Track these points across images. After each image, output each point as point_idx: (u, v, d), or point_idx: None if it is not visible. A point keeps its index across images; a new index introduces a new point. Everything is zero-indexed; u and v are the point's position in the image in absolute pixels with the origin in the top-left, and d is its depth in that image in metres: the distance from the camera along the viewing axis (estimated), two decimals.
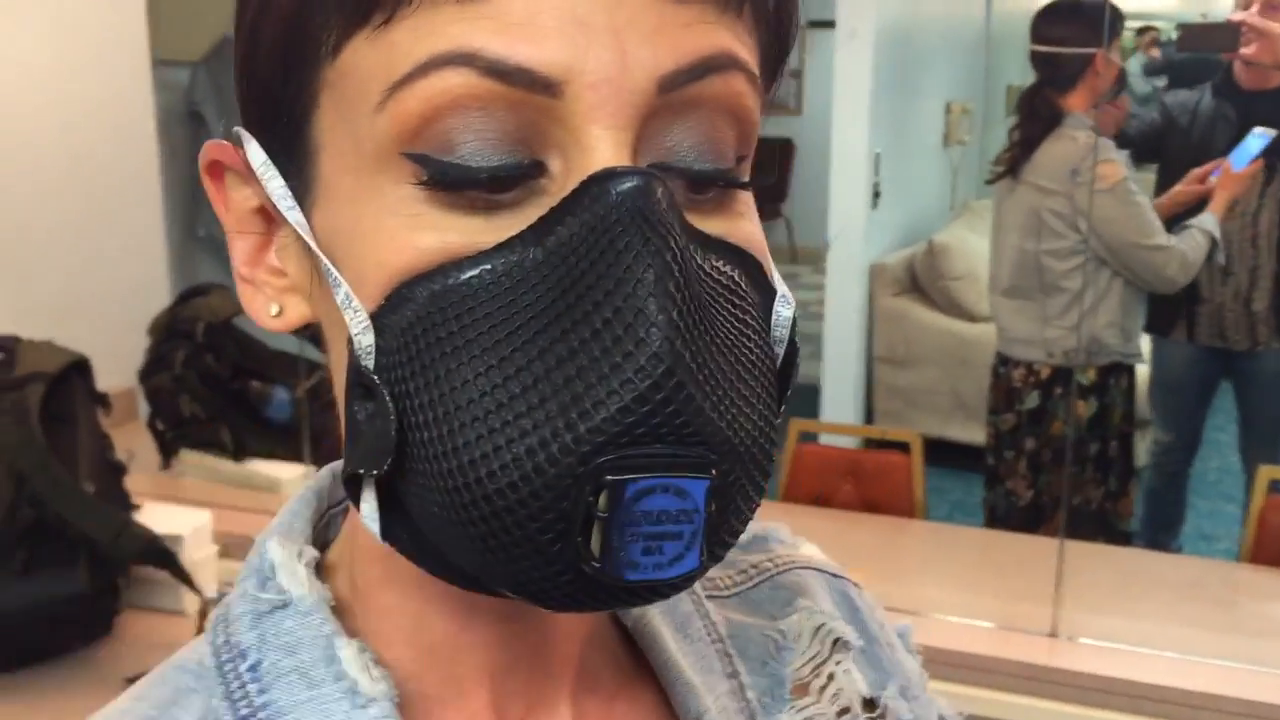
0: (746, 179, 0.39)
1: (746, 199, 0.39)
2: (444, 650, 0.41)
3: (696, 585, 0.48)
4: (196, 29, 3.97)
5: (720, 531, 0.36)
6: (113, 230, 2.38)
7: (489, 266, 0.34)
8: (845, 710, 0.49)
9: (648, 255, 0.33)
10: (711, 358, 0.34)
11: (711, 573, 0.50)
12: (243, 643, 0.40)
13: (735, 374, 0.36)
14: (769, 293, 0.39)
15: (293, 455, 1.91)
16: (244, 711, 0.39)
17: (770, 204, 7.79)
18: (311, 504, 0.45)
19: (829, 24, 4.13)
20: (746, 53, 0.37)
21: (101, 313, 2.16)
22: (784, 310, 0.39)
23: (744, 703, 0.47)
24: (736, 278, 0.37)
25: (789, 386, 0.39)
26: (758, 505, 0.37)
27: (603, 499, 0.33)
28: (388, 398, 0.34)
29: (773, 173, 7.83)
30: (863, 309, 4.14)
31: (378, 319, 0.35)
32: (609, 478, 0.33)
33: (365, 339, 0.35)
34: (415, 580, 0.39)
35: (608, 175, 0.34)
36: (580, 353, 0.33)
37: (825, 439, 2.68)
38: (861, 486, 2.15)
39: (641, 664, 0.47)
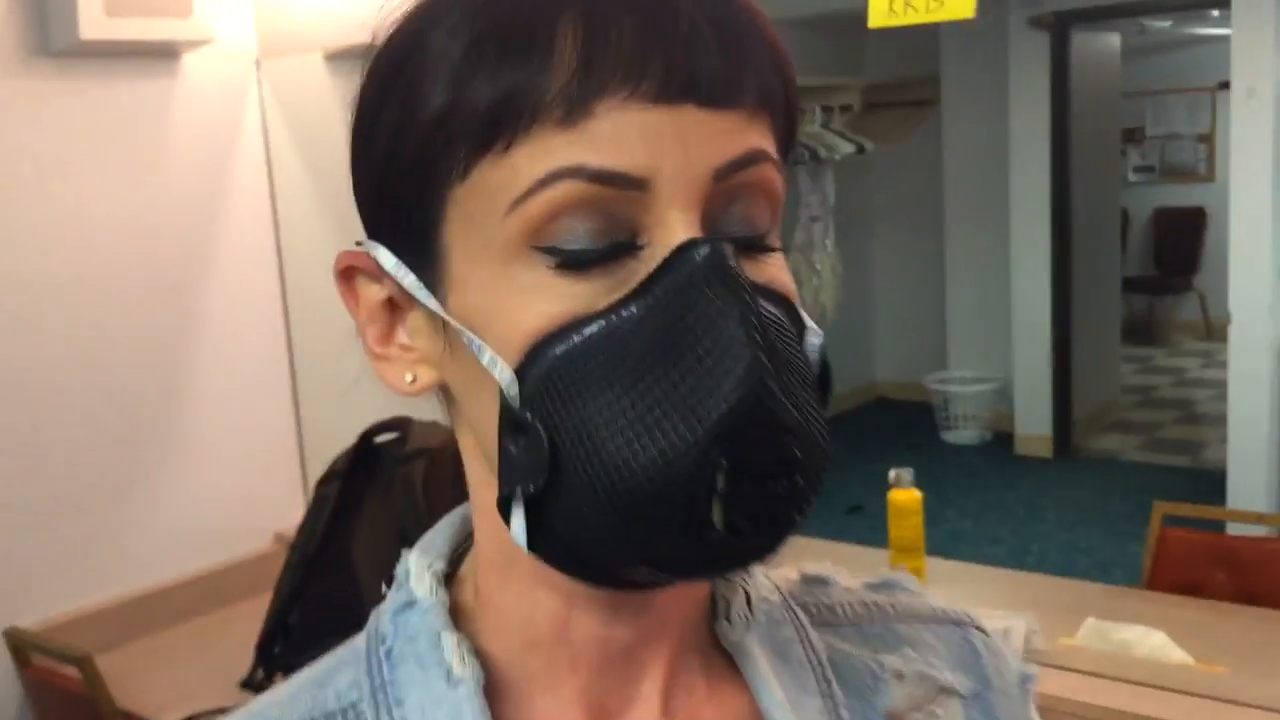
0: (778, 244, 0.48)
1: (779, 256, 0.48)
2: (545, 643, 0.50)
3: (801, 613, 0.55)
4: None
5: (805, 502, 0.45)
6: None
7: (604, 322, 0.44)
8: None
9: (731, 297, 0.43)
10: (783, 373, 0.44)
11: (831, 601, 0.57)
12: (383, 632, 0.52)
13: (799, 384, 0.45)
14: (802, 326, 0.48)
15: None
16: (376, 683, 0.50)
17: (1180, 275, 7.31)
18: (455, 525, 0.55)
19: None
20: (770, 145, 0.46)
21: None
22: (814, 340, 0.48)
23: (834, 714, 0.53)
24: (781, 315, 0.47)
25: (828, 401, 0.47)
26: (818, 491, 0.46)
27: (720, 481, 0.43)
28: (541, 429, 0.45)
29: (1182, 243, 7.36)
30: (1272, 387, 3.82)
31: (520, 372, 0.45)
32: (725, 462, 0.42)
33: (513, 389, 0.45)
34: (528, 585, 0.49)
35: (691, 244, 0.44)
36: (690, 374, 0.43)
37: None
38: (1235, 576, 2.02)
39: (736, 677, 0.54)
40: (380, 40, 0.49)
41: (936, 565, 2.13)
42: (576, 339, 0.44)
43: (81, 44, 2.03)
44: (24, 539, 2.05)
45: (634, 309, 0.44)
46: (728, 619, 0.53)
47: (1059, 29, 4.82)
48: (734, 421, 0.42)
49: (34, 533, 2.06)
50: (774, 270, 0.47)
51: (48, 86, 2.07)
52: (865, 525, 3.75)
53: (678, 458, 0.43)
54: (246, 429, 2.33)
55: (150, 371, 2.22)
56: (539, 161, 0.44)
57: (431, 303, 0.48)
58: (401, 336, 0.50)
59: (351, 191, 0.52)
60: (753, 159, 0.46)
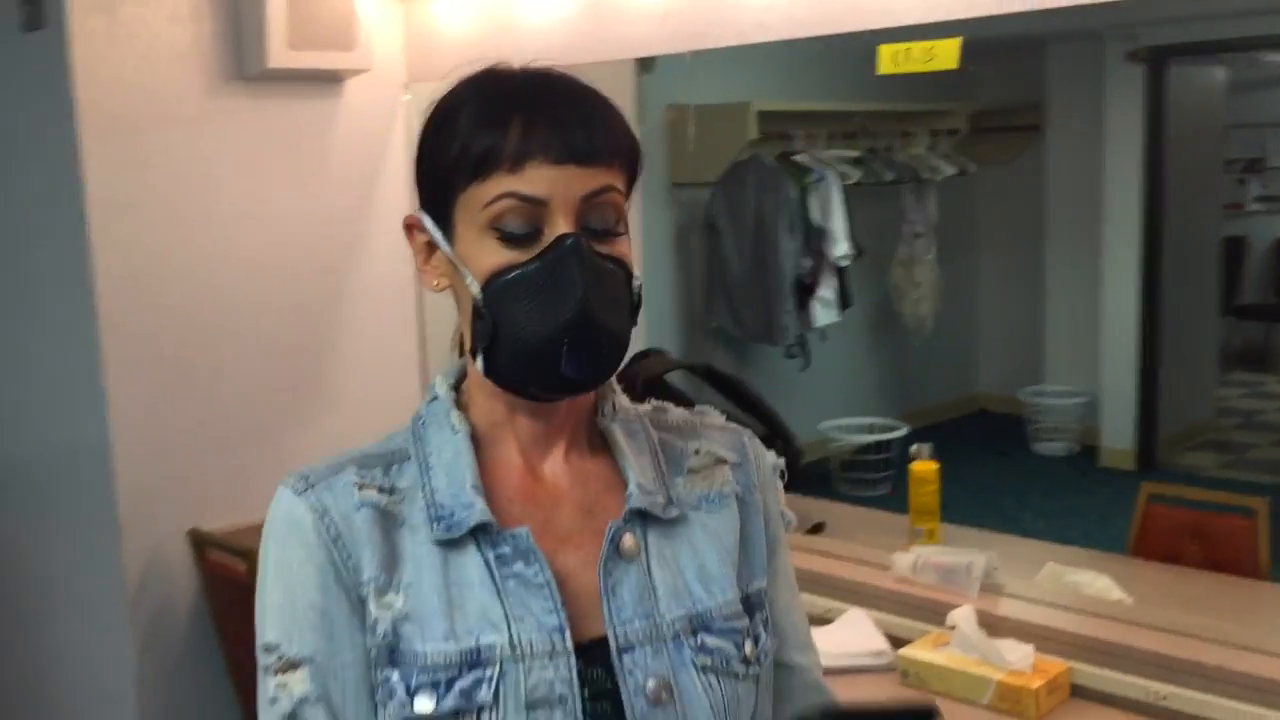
0: (622, 230, 0.91)
1: (623, 238, 0.91)
2: (500, 424, 0.95)
3: (647, 420, 0.98)
4: (710, 158, 4.77)
5: (608, 361, 0.90)
6: None
7: (524, 270, 0.88)
8: (719, 493, 0.97)
9: (579, 262, 0.87)
10: (603, 300, 0.88)
11: (665, 416, 1.00)
12: (420, 413, 0.97)
13: (613, 307, 0.89)
14: (631, 276, 0.91)
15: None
16: (416, 436, 0.95)
17: None
18: (461, 366, 0.99)
19: None
20: (618, 180, 0.90)
21: None
22: (636, 283, 0.92)
23: (659, 473, 0.96)
24: (615, 269, 0.90)
25: (636, 314, 0.91)
26: (625, 353, 0.89)
27: (564, 350, 0.87)
28: (491, 319, 0.89)
29: None
30: None
31: (484, 288, 0.89)
32: (566, 339, 0.87)
33: (479, 297, 0.89)
34: (490, 394, 0.94)
35: (565, 235, 0.88)
36: (557, 297, 0.87)
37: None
38: (1206, 547, 2.34)
39: (607, 449, 0.98)
40: (428, 111, 0.94)
41: (949, 529, 2.48)
42: (509, 275, 0.89)
43: (268, 71, 2.55)
44: (206, 461, 2.58)
45: (537, 264, 0.89)
46: (603, 414, 0.97)
47: (1155, 63, 5.06)
48: (571, 321, 0.88)
49: (214, 457, 2.59)
50: (617, 246, 0.92)
51: (241, 105, 2.60)
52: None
53: (547, 335, 0.88)
54: (381, 383, 2.83)
55: (307, 334, 2.73)
56: (497, 188, 0.88)
57: (447, 249, 0.92)
58: (434, 262, 0.95)
59: None
60: (604, 190, 0.90)
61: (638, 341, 3.12)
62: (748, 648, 0.94)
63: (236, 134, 2.60)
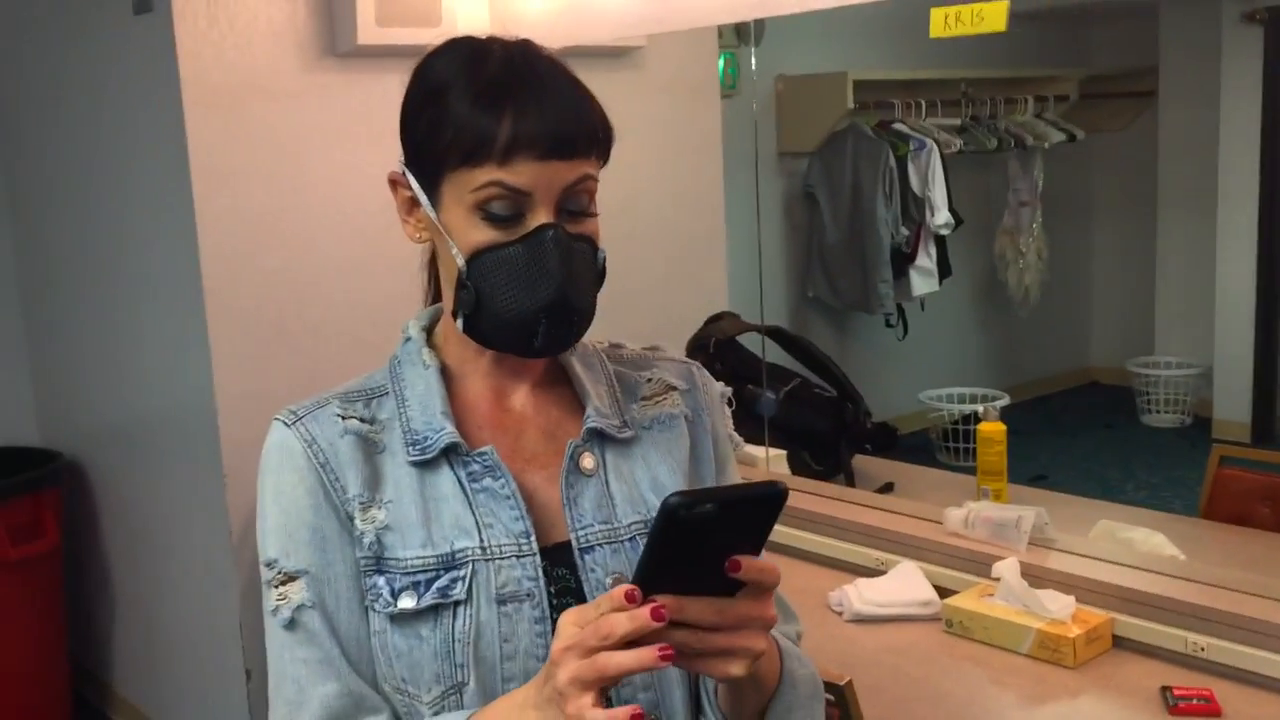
0: (594, 211, 0.99)
1: (594, 219, 1.00)
2: (470, 362, 1.05)
3: (603, 354, 1.07)
4: (811, 127, 4.81)
5: (577, 334, 1.00)
6: (698, 293, 3.18)
7: (506, 251, 0.97)
8: (669, 415, 1.05)
9: (558, 250, 0.96)
10: (576, 281, 0.97)
11: (620, 351, 1.08)
12: (396, 354, 1.07)
13: (585, 281, 0.98)
14: (596, 251, 1.00)
15: (773, 441, 2.53)
16: (392, 374, 1.05)
17: None
18: (433, 312, 1.09)
19: None
20: (593, 168, 0.99)
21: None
22: (601, 255, 1.01)
23: (614, 399, 1.04)
24: (587, 247, 0.99)
25: (600, 284, 1.00)
26: (588, 325, 0.99)
27: (541, 327, 0.97)
28: (474, 289, 0.98)
29: None
30: None
31: (469, 262, 0.98)
32: (544, 318, 0.96)
33: (464, 269, 0.98)
34: (463, 341, 1.03)
35: (546, 225, 0.97)
36: (536, 278, 0.96)
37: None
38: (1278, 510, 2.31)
39: (569, 382, 1.07)
40: (417, 71, 1.02)
41: (1020, 491, 2.49)
42: (492, 253, 0.98)
43: (358, 47, 2.68)
44: None
45: (518, 247, 0.98)
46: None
47: (1273, 24, 4.89)
48: (548, 304, 0.97)
49: None
50: (588, 226, 1.01)
51: (333, 79, 2.74)
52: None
53: (526, 314, 0.98)
54: None
55: (396, 296, 2.85)
56: (486, 176, 0.97)
57: (433, 215, 1.01)
58: (415, 216, 1.04)
59: None
60: (582, 179, 0.99)
61: (717, 304, 3.20)
62: None
63: (329, 107, 2.74)
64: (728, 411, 1.15)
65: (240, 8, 2.59)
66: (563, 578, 1.00)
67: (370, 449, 1.02)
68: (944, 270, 4.85)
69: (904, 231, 4.77)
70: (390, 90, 2.81)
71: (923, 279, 4.80)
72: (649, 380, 1.10)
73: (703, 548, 0.81)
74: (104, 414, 3.26)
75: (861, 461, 2.77)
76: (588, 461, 1.03)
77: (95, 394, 3.29)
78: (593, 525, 1.01)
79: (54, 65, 3.12)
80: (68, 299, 3.32)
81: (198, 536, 2.82)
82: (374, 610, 0.99)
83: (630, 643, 0.81)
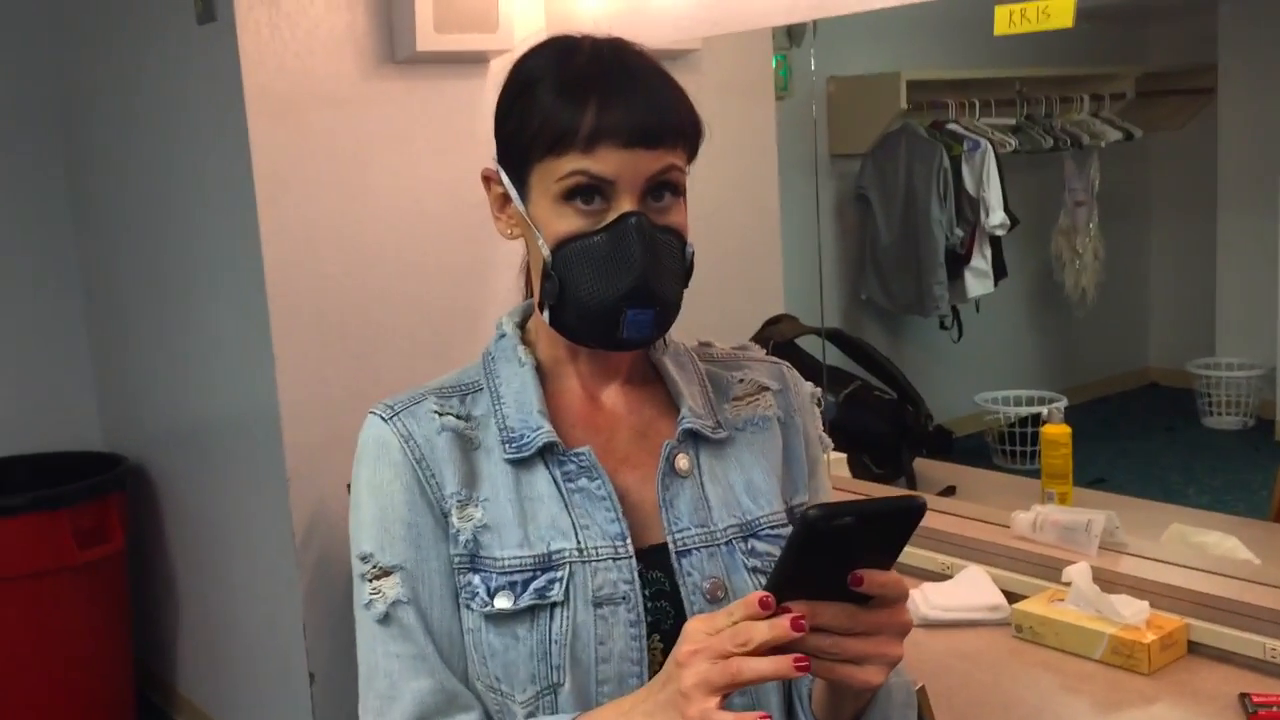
0: (684, 206, 0.99)
1: (681, 210, 0.99)
2: (564, 358, 1.04)
3: (694, 353, 1.06)
4: (862, 128, 4.78)
5: (661, 325, 0.98)
6: (754, 295, 3.17)
7: (590, 240, 0.97)
8: (762, 416, 1.04)
9: (640, 238, 0.96)
10: (659, 271, 0.96)
11: (710, 350, 1.07)
12: (490, 349, 1.07)
13: (669, 277, 0.97)
14: (685, 243, 0.99)
15: (834, 444, 2.51)
16: (487, 370, 1.05)
17: None
18: (525, 306, 1.09)
19: None
20: (680, 159, 0.98)
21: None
22: (689, 250, 0.99)
23: (707, 400, 1.04)
24: (673, 239, 0.98)
25: (688, 278, 0.98)
26: (676, 316, 0.97)
27: (624, 317, 0.96)
28: (558, 279, 0.98)
29: None
30: None
31: (554, 252, 0.98)
32: (626, 307, 0.96)
33: (549, 259, 0.98)
34: (554, 336, 1.03)
35: (630, 213, 0.97)
36: (619, 267, 0.96)
37: None
38: None
39: (660, 381, 1.06)
40: (510, 72, 1.02)
41: (1084, 494, 2.46)
42: (576, 243, 0.99)
43: (417, 54, 2.70)
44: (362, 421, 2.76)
45: (602, 236, 0.98)
46: (655, 349, 1.06)
47: None
48: (630, 293, 0.96)
49: None
50: (674, 216, 1.01)
51: (393, 86, 2.76)
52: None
53: (608, 302, 0.97)
54: None
55: (457, 301, 2.88)
56: (571, 164, 0.97)
57: (521, 208, 1.02)
58: (508, 213, 1.04)
59: None
60: (667, 170, 0.99)
61: (773, 307, 3.19)
62: None
63: (390, 114, 2.76)
64: (818, 412, 1.14)
65: (301, 17, 2.62)
66: (657, 580, 1.00)
67: (466, 446, 1.02)
68: (999, 271, 4.80)
69: (958, 233, 4.73)
70: (449, 96, 2.86)
71: (978, 280, 4.75)
72: (740, 381, 1.10)
73: (836, 559, 0.81)
74: (168, 418, 3.31)
75: (921, 465, 2.75)
76: (683, 463, 1.03)
77: (159, 398, 3.33)
78: (689, 529, 1.01)
79: (120, 75, 3.16)
80: (132, 304, 3.37)
81: (261, 539, 2.85)
82: (469, 608, 0.99)
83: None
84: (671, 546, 1.00)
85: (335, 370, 2.74)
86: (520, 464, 1.01)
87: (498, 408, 1.04)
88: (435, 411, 1.03)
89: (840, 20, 2.41)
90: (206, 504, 3.15)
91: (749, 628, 0.82)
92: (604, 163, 0.95)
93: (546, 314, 1.01)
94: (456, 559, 1.00)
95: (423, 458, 1.01)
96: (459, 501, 1.00)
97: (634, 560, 0.99)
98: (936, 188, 4.66)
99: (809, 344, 2.74)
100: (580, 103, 0.96)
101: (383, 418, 1.04)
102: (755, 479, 1.05)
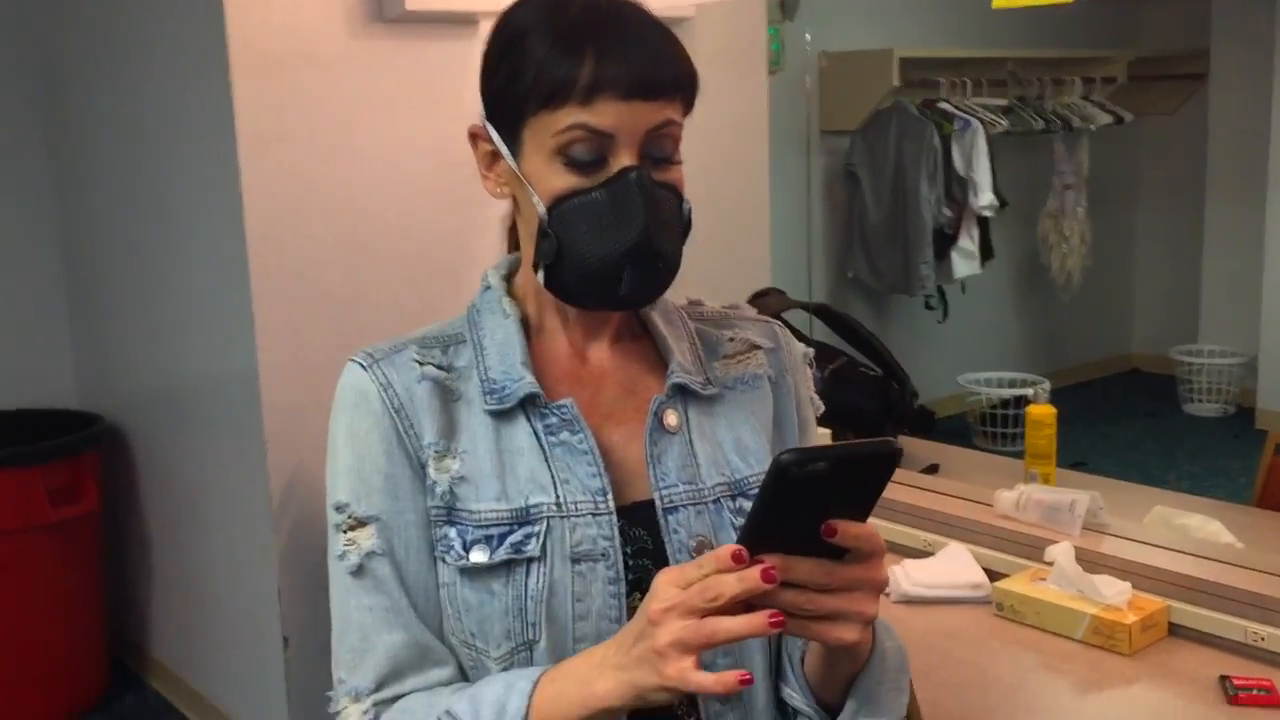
0: (678, 159, 0.96)
1: (678, 167, 0.96)
2: (552, 313, 1.02)
3: (683, 311, 1.03)
4: (853, 105, 4.75)
5: (662, 283, 0.95)
6: (740, 269, 3.15)
7: (589, 196, 0.94)
8: (753, 374, 1.02)
9: (641, 192, 0.93)
10: (661, 227, 0.93)
11: (700, 308, 1.05)
12: (474, 301, 1.04)
13: (669, 232, 0.94)
14: (681, 200, 0.96)
15: (819, 419, 2.50)
16: (471, 322, 1.03)
17: None
18: (511, 259, 1.07)
19: None
20: (677, 113, 0.95)
21: None
22: (686, 206, 0.96)
23: (697, 357, 1.01)
24: (671, 196, 0.95)
25: (686, 235, 0.95)
26: (676, 273, 0.94)
27: (626, 274, 0.93)
28: (555, 237, 0.95)
29: None
30: None
31: (550, 210, 0.95)
32: (628, 265, 0.92)
33: (545, 216, 0.95)
34: (543, 295, 1.00)
35: (629, 167, 0.93)
36: (620, 222, 0.93)
37: None
38: None
39: (649, 337, 1.03)
40: (496, 23, 0.99)
41: (1066, 475, 2.46)
42: (575, 199, 0.95)
43: (407, 13, 2.65)
44: None
45: (601, 191, 0.95)
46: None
47: None
48: (633, 249, 0.93)
49: None
50: (672, 173, 0.98)
51: (381, 45, 2.72)
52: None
53: (609, 260, 0.94)
54: None
55: (441, 264, 2.85)
56: (568, 118, 0.94)
57: (513, 164, 0.98)
58: (495, 170, 1.01)
59: None
60: (666, 124, 0.96)
61: (760, 280, 3.17)
62: None
63: (377, 73, 2.71)
64: (809, 373, 1.12)
65: None
66: (640, 538, 0.98)
67: (446, 397, 1.00)
68: (986, 253, 4.80)
69: (947, 213, 4.71)
70: (437, 56, 2.81)
71: (965, 261, 4.74)
72: (731, 339, 1.08)
73: (811, 508, 0.79)
74: (145, 378, 3.27)
75: (904, 442, 2.74)
76: (671, 418, 1.01)
77: (137, 357, 3.29)
78: (677, 485, 0.99)
79: (101, 31, 3.11)
80: (109, 262, 3.32)
81: (238, 502, 2.82)
82: (444, 561, 0.97)
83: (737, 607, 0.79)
84: (659, 503, 0.98)
85: (316, 332, 2.70)
86: (501, 416, 0.99)
87: (480, 359, 1.01)
88: (416, 360, 1.01)
89: None
90: (183, 465, 3.12)
91: (718, 582, 0.79)
92: (602, 115, 0.92)
93: (541, 274, 0.98)
94: (433, 511, 0.97)
95: (401, 407, 0.99)
96: (436, 453, 0.98)
97: (614, 516, 0.96)
98: (926, 166, 4.64)
99: (796, 319, 2.71)
100: (577, 54, 0.92)
101: (362, 365, 1.01)
102: (744, 437, 1.03)
